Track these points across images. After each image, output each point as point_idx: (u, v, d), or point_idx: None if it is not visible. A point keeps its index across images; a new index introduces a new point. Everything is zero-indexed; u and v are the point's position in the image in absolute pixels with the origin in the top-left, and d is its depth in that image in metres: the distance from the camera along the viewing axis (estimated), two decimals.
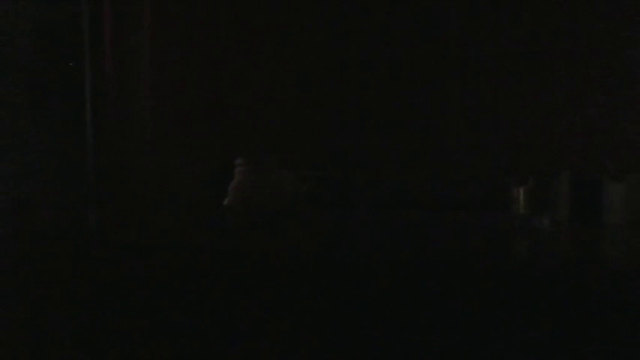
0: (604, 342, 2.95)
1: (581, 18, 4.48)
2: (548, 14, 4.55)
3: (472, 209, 4.71)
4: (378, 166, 5.05)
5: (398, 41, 4.89)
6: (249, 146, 5.25)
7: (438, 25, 4.80)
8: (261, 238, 4.53)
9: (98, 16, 5.01)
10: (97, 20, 4.99)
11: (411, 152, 4.90)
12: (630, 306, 3.02)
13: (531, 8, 4.58)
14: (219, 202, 5.39)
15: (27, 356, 3.44)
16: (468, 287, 3.23)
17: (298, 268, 3.55)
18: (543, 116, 4.59)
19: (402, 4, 4.90)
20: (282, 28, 5.17)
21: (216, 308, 3.35)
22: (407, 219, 4.75)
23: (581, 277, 3.27)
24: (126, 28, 5.16)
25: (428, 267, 3.46)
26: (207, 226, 4.78)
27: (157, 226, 4.72)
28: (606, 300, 3.09)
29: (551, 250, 4.25)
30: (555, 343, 3.01)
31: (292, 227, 4.84)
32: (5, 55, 4.89)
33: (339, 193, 5.23)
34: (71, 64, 4.90)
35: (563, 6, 4.51)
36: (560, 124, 4.55)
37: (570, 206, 4.73)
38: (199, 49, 5.33)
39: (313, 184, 5.26)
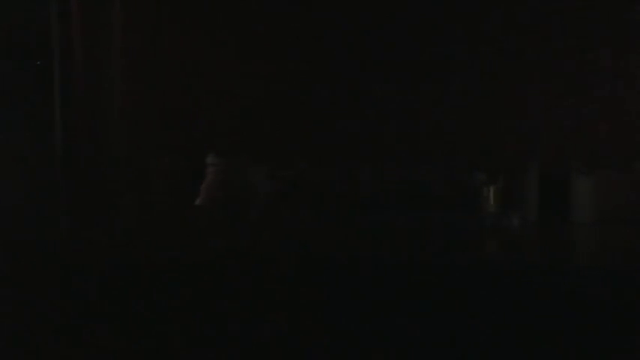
0: (573, 336, 3.00)
1: (549, 23, 4.55)
2: (518, 19, 4.62)
3: (443, 209, 4.75)
4: (350, 165, 5.06)
5: (370, 42, 4.91)
6: (221, 144, 5.22)
7: (409, 26, 4.83)
8: (232, 236, 4.53)
9: (66, 16, 4.95)
10: (65, 20, 4.93)
11: (382, 152, 4.92)
12: (598, 303, 3.07)
13: (503, 12, 4.64)
14: (192, 202, 5.37)
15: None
16: (439, 285, 3.25)
17: (271, 265, 3.55)
18: (513, 116, 4.65)
19: (376, 6, 4.92)
20: (256, 26, 5.16)
21: (189, 307, 3.34)
22: (378, 218, 4.77)
23: (549, 274, 3.32)
24: (95, 27, 5.11)
25: (400, 265, 3.48)
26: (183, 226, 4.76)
27: (127, 227, 4.68)
28: (573, 296, 3.14)
29: (519, 249, 4.30)
30: (524, 338, 3.05)
31: (264, 226, 4.84)
32: None
33: (313, 193, 5.23)
34: (39, 63, 4.83)
35: (533, 12, 4.58)
36: (530, 123, 4.61)
37: (539, 205, 4.79)
38: (170, 48, 5.30)
39: (286, 183, 5.26)
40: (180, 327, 3.33)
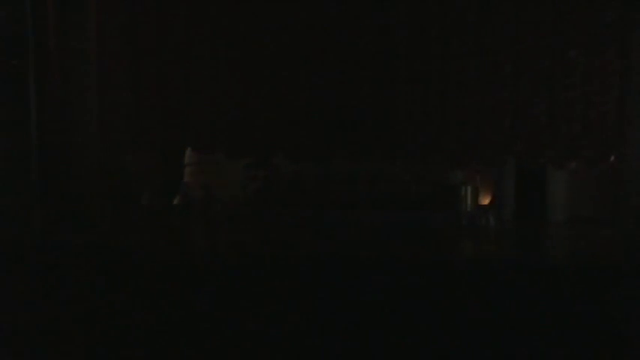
0: (544, 333, 3.03)
1: (526, 26, 4.62)
2: (495, 22, 4.67)
3: (421, 208, 4.78)
4: (326, 163, 5.07)
5: (346, 41, 4.92)
6: (197, 138, 5.19)
7: (385, 24, 4.86)
8: (210, 236, 4.53)
9: (42, 15, 4.91)
10: (40, 19, 4.90)
11: (359, 151, 4.94)
12: (569, 301, 3.11)
13: (479, 15, 4.69)
14: (169, 202, 5.36)
15: None
16: (416, 284, 3.27)
17: (245, 265, 3.55)
18: (491, 112, 4.69)
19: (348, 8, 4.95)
20: (228, 21, 5.16)
21: (158, 307, 3.33)
22: (355, 218, 4.79)
23: (524, 272, 3.35)
24: (70, 25, 5.08)
25: (377, 265, 3.49)
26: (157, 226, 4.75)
27: (102, 227, 4.66)
28: (547, 294, 3.17)
29: (496, 247, 4.33)
30: (498, 337, 3.07)
31: (242, 226, 4.84)
32: None
33: (289, 192, 5.24)
34: (14, 62, 4.80)
35: (509, 15, 4.65)
36: (507, 119, 4.66)
37: (515, 204, 4.84)
38: (144, 44, 5.28)
39: (263, 183, 5.27)
40: (160, 324, 3.31)
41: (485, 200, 4.89)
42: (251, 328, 3.27)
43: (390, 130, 4.82)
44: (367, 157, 4.89)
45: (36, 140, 4.75)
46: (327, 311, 3.26)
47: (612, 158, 4.48)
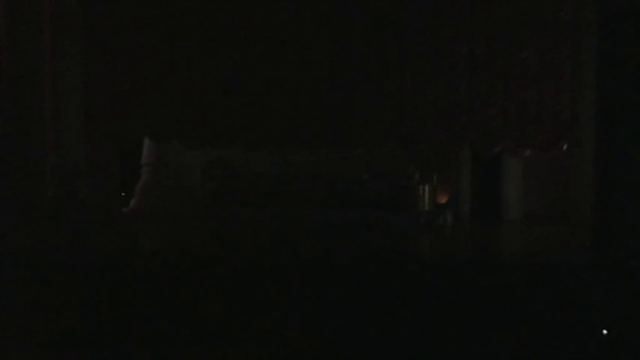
0: (501, 330, 3.08)
1: (484, 26, 4.70)
2: (455, 22, 4.75)
3: (378, 207, 4.81)
4: (284, 151, 5.09)
5: (304, 36, 4.95)
6: (154, 128, 5.12)
7: (341, 19, 4.91)
8: (168, 238, 4.50)
9: None
10: None
11: (317, 139, 4.96)
12: (522, 297, 3.16)
13: (441, 16, 4.77)
14: (126, 203, 5.30)
15: None
16: (374, 283, 3.29)
17: (207, 266, 3.55)
18: (446, 102, 4.76)
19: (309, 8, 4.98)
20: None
21: (125, 308, 3.31)
22: (314, 217, 4.80)
23: (481, 270, 3.40)
24: (23, 29, 4.99)
25: (334, 264, 3.51)
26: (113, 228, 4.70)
27: (60, 230, 4.60)
28: (502, 292, 3.22)
29: (453, 246, 4.38)
30: (457, 334, 3.11)
31: (199, 226, 4.82)
32: None
33: (247, 192, 5.23)
34: None
35: (468, 18, 4.74)
36: (462, 108, 4.74)
37: (471, 203, 4.91)
38: (101, 40, 5.22)
39: (221, 183, 5.25)
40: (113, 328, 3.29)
41: (443, 199, 4.95)
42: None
43: (347, 119, 4.86)
44: (325, 146, 4.92)
45: None
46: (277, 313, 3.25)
47: (565, 146, 4.57)
